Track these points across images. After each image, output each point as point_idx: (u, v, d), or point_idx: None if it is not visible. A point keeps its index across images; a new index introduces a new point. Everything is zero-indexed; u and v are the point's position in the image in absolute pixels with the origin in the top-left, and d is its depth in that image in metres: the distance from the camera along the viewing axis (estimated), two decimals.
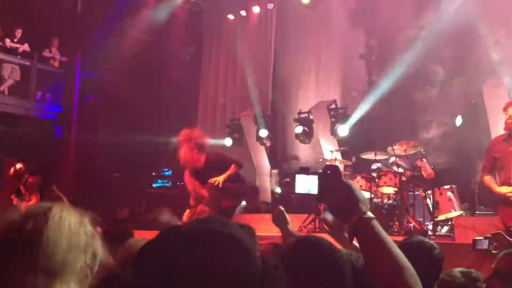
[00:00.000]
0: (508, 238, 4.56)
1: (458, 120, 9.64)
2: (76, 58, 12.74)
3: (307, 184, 1.35)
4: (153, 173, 11.57)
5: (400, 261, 1.30)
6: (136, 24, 13.71)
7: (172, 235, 1.05)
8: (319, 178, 1.45)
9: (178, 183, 11.58)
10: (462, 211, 8.02)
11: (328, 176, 1.44)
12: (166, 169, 12.01)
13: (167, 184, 11.59)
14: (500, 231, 4.77)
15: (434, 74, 10.80)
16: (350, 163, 10.22)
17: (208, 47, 14.03)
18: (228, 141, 12.46)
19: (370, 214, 1.40)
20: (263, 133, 11.92)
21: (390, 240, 1.35)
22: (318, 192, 1.46)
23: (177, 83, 12.36)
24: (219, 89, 13.59)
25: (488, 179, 5.69)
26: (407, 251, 1.40)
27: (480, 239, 4.61)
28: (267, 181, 11.97)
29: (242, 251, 1.04)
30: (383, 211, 8.50)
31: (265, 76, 13.14)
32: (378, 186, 8.59)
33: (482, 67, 10.03)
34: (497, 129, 9.11)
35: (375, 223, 1.37)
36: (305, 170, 1.39)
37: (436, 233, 7.99)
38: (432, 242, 2.88)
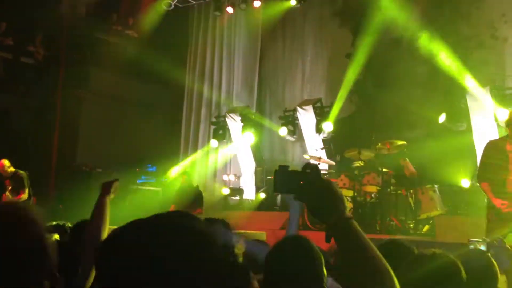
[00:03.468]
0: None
1: (442, 118, 9.73)
2: (60, 52, 12.60)
3: (286, 183, 1.33)
4: (137, 169, 11.51)
5: (377, 262, 1.30)
6: (122, 19, 13.64)
7: (134, 226, 1.08)
8: (298, 177, 1.43)
9: (162, 180, 11.56)
10: (444, 210, 8.10)
11: (308, 175, 1.42)
12: (150, 165, 11.96)
13: (150, 181, 11.53)
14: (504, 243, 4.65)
15: (418, 75, 10.88)
16: (333, 163, 10.27)
17: (194, 43, 13.97)
18: (214, 143, 12.46)
19: (348, 214, 1.39)
20: (248, 130, 11.92)
21: (368, 240, 1.34)
22: (297, 191, 1.43)
23: (163, 79, 12.30)
24: (205, 86, 13.54)
25: (486, 186, 5.51)
26: (385, 253, 1.39)
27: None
28: (252, 179, 11.97)
29: (200, 242, 1.06)
30: (366, 209, 8.55)
31: (252, 73, 13.14)
32: (361, 184, 8.64)
33: (468, 68, 10.14)
34: (479, 129, 9.25)
35: (354, 223, 1.36)
36: (284, 168, 1.36)
37: (418, 232, 8.07)
38: (409, 245, 2.90)
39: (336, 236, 1.36)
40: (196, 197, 9.17)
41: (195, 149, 13.24)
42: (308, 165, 1.44)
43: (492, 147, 5.67)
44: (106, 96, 12.68)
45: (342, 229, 1.35)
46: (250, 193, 11.75)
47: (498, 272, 2.23)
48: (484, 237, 5.11)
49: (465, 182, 8.60)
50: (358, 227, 1.36)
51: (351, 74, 11.89)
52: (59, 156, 12.15)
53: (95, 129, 12.26)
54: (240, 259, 1.24)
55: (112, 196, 2.83)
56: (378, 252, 1.32)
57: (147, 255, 1.02)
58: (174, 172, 11.97)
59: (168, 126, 13.75)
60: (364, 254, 1.31)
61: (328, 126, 10.68)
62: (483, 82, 9.50)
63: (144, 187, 11.21)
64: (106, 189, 2.81)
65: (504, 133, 5.90)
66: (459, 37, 10.54)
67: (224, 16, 13.46)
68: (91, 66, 12.63)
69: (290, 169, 1.47)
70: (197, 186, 10.01)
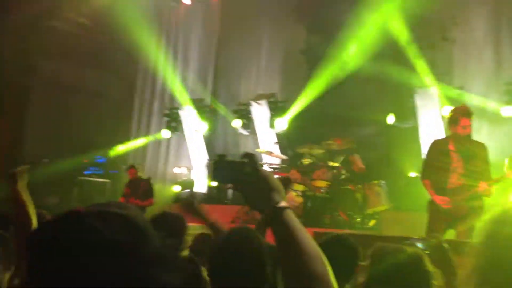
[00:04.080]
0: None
1: (391, 119, 9.95)
2: (5, 39, 12.14)
3: (225, 173, 1.30)
4: (85, 160, 11.25)
5: (313, 252, 1.30)
6: (74, 6, 13.26)
7: (65, 217, 1.06)
8: (236, 167, 1.41)
9: (111, 171, 11.34)
10: (389, 206, 8.29)
11: (245, 164, 1.40)
12: (99, 157, 11.72)
13: (99, 172, 11.29)
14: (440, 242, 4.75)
15: (371, 73, 11.07)
16: (286, 157, 10.35)
17: (149, 33, 13.73)
18: (165, 134, 12.32)
19: (285, 204, 1.37)
20: (202, 123, 11.85)
21: (304, 230, 1.33)
22: (235, 180, 1.42)
23: (115, 68, 12.05)
24: (158, 78, 13.35)
25: (427, 184, 5.64)
26: (327, 248, 1.40)
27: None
28: (204, 172, 11.91)
29: (131, 230, 1.05)
30: (316, 204, 8.65)
31: (207, 66, 13.05)
32: (312, 179, 8.74)
33: (418, 67, 10.39)
34: (425, 127, 9.52)
35: (290, 213, 1.35)
36: (223, 158, 1.32)
37: (364, 226, 8.24)
38: (347, 235, 2.97)
39: (272, 226, 1.35)
40: (147, 188, 9.06)
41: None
42: (245, 155, 1.42)
43: (435, 146, 5.78)
44: (55, 85, 12.32)
45: (277, 219, 1.34)
46: (202, 186, 11.69)
47: (429, 268, 2.27)
48: (422, 235, 5.27)
49: (411, 177, 8.84)
50: (295, 218, 1.35)
51: (305, 70, 12.02)
52: (4, 147, 11.74)
53: (43, 119, 11.89)
54: (185, 253, 1.23)
55: (22, 182, 2.86)
56: (315, 245, 1.31)
57: (75, 249, 1.00)
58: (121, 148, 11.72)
59: (120, 117, 13.50)
60: (299, 245, 1.30)
61: (281, 124, 10.75)
62: (431, 81, 9.77)
63: (92, 179, 10.97)
64: (12, 179, 2.85)
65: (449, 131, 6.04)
66: (410, 37, 10.79)
67: (181, 7, 13.30)
68: (39, 54, 12.23)
69: (228, 158, 1.45)
70: (149, 178, 9.89)
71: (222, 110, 12.80)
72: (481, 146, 5.56)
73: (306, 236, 1.33)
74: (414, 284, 2.18)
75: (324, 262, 1.29)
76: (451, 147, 5.55)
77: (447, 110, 8.28)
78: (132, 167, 9.36)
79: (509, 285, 0.82)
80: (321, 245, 1.35)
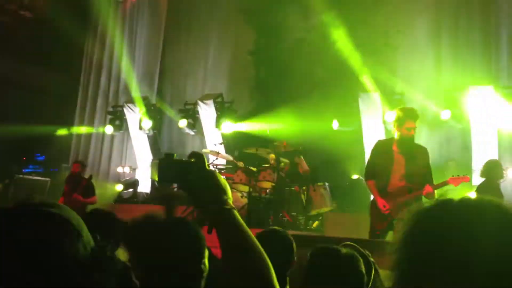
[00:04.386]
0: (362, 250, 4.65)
1: (335, 125, 10.14)
2: None
3: (171, 172, 1.25)
4: (24, 158, 10.82)
5: (257, 252, 1.30)
6: None
7: None
8: (183, 166, 1.39)
9: (51, 169, 10.97)
10: (333, 207, 8.43)
11: (193, 164, 1.38)
12: (39, 154, 11.30)
13: (38, 170, 10.89)
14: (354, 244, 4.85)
15: (317, 76, 11.23)
16: (231, 158, 10.33)
17: (93, 28, 13.40)
18: (108, 129, 12.02)
19: (231, 204, 1.37)
20: (147, 122, 11.65)
21: (248, 231, 1.33)
22: (181, 180, 1.39)
23: (58, 63, 11.65)
24: (103, 74, 13.03)
25: (371, 184, 5.67)
26: (262, 240, 1.40)
27: None
28: (148, 171, 11.72)
29: (61, 230, 1.06)
30: (261, 205, 8.68)
31: (153, 64, 12.85)
32: (257, 180, 8.76)
33: (359, 72, 10.63)
34: (368, 130, 9.75)
35: (235, 214, 1.34)
36: (170, 157, 1.28)
37: (308, 227, 8.33)
38: (284, 231, 3.00)
39: (217, 226, 1.34)
40: (88, 186, 8.80)
41: (88, 139, 12.71)
42: (193, 154, 1.41)
43: (379, 146, 5.82)
44: None
45: (224, 220, 1.33)
46: (146, 186, 11.50)
47: (362, 269, 2.34)
48: (365, 235, 5.37)
49: (354, 180, 9.03)
50: (240, 219, 1.35)
51: (253, 71, 12.07)
52: None
53: None
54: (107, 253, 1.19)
55: None
56: (259, 245, 1.31)
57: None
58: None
59: (62, 114, 13.08)
60: (244, 245, 1.30)
61: (228, 126, 10.73)
62: (375, 86, 10.02)
63: (31, 177, 10.56)
64: None
65: (392, 134, 6.14)
66: (355, 43, 11.03)
67: (127, 3, 13.05)
68: None
69: (176, 158, 1.42)
70: (90, 176, 9.62)
71: (167, 109, 12.65)
72: (423, 150, 5.64)
73: (251, 236, 1.33)
74: (348, 284, 2.24)
75: (268, 263, 1.30)
76: (394, 148, 5.60)
77: (391, 113, 8.48)
78: (78, 162, 9.05)
79: (428, 280, 0.84)
80: (258, 237, 1.36)
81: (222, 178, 1.40)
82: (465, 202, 0.93)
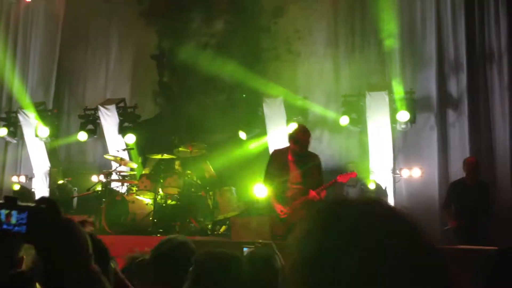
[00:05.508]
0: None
1: (242, 135, 10.24)
2: None
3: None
4: None
5: None
6: None
7: None
8: (28, 211, 1.15)
9: None
10: (240, 211, 8.49)
11: (43, 211, 1.16)
12: None
13: None
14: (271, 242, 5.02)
15: (222, 81, 11.30)
16: (135, 165, 10.09)
17: None
18: (2, 131, 11.25)
19: (95, 267, 1.17)
20: (43, 129, 11.02)
21: None
22: (26, 230, 1.14)
23: None
24: None
25: (269, 191, 6.11)
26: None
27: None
28: (45, 180, 11.11)
29: None
30: (167, 211, 8.54)
31: (50, 68, 12.20)
32: (163, 186, 8.61)
33: (265, 78, 10.84)
34: (272, 136, 9.95)
35: (104, 279, 1.17)
36: (11, 202, 1.05)
37: (215, 233, 8.32)
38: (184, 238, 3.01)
39: None
40: None
41: None
42: (43, 199, 1.19)
43: (276, 155, 6.26)
44: None
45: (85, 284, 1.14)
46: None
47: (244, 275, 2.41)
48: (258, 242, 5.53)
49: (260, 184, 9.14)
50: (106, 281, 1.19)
51: (156, 76, 11.87)
52: None
53: None
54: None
55: None
56: None
57: None
58: None
59: None
60: None
61: (130, 137, 10.45)
62: (278, 92, 10.25)
63: None
64: None
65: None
66: (258, 49, 11.23)
67: (20, 4, 12.33)
68: None
69: (20, 203, 1.17)
70: None
71: (66, 115, 12.09)
72: (315, 157, 6.08)
73: None
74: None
75: None
76: (289, 157, 5.99)
77: (291, 125, 8.71)
78: None
79: (324, 282, 0.86)
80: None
81: (82, 230, 1.20)
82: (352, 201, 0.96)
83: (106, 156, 9.85)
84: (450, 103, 9.65)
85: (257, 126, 10.31)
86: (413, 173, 9.30)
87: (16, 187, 10.68)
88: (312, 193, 5.80)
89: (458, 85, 9.58)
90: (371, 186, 9.09)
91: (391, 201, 8.88)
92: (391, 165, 9.48)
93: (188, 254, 2.64)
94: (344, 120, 9.62)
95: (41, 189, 10.99)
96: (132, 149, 10.48)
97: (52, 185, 10.94)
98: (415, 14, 10.11)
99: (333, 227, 0.89)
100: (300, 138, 5.92)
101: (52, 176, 11.08)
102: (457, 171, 9.09)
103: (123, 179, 9.40)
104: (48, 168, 11.17)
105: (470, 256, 4.61)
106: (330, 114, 10.28)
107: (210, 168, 8.83)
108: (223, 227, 8.47)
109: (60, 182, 10.74)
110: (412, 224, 0.90)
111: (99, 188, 9.23)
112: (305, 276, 0.88)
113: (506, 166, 8.73)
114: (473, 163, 7.23)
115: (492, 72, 9.31)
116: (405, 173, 9.41)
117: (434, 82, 9.71)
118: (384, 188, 9.19)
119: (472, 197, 7.01)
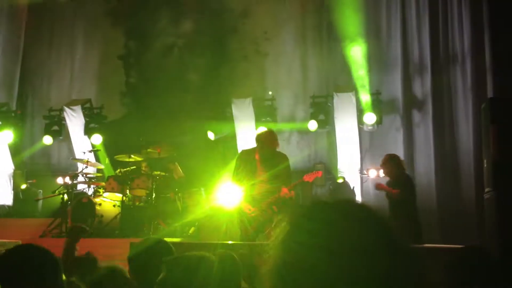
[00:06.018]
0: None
1: (210, 135, 10.23)
2: None
3: None
4: None
5: None
6: None
7: None
8: None
9: None
10: (208, 212, 8.45)
11: None
12: None
13: None
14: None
15: (190, 82, 11.25)
16: (102, 166, 9.96)
17: None
18: None
19: None
20: (7, 132, 10.73)
21: None
22: None
23: None
24: None
25: (238, 192, 6.08)
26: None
27: None
28: (8, 182, 10.83)
29: None
30: (135, 213, 8.45)
31: (12, 69, 11.86)
32: (131, 188, 8.52)
33: (233, 79, 10.84)
34: (242, 135, 9.97)
35: None
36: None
37: (184, 234, 8.28)
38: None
39: None
40: None
41: None
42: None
43: (243, 155, 6.30)
44: None
45: None
46: (7, 199, 10.62)
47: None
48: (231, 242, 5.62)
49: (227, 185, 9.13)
50: None
51: (123, 76, 11.72)
52: None
53: None
54: None
55: None
56: None
57: None
58: None
59: None
60: None
61: (97, 138, 10.31)
62: (246, 93, 10.28)
63: None
64: None
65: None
66: (226, 49, 11.23)
67: None
68: None
69: None
70: None
71: (30, 115, 11.82)
72: (283, 157, 6.12)
73: None
74: None
75: None
76: (257, 156, 6.03)
77: (260, 128, 8.72)
78: None
79: (303, 284, 0.87)
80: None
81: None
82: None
83: (72, 158, 9.66)
84: (415, 104, 9.84)
85: (226, 127, 10.31)
86: (380, 173, 9.45)
87: None
88: (285, 190, 5.81)
89: (423, 87, 9.77)
90: (340, 182, 9.21)
91: (359, 201, 9.00)
92: (359, 166, 9.61)
93: (166, 252, 2.66)
94: (313, 125, 9.69)
95: (5, 192, 10.70)
96: (99, 150, 10.33)
97: (16, 188, 10.67)
98: (380, 16, 10.27)
99: (309, 229, 0.89)
100: (267, 141, 5.96)
101: (16, 178, 10.80)
102: (422, 171, 9.30)
103: (89, 180, 9.25)
104: (12, 170, 10.88)
105: (437, 253, 4.72)
106: (299, 114, 10.36)
107: (179, 169, 8.77)
108: (192, 229, 8.42)
109: (23, 186, 10.54)
110: (387, 224, 0.91)
111: (65, 190, 9.06)
112: (282, 279, 0.88)
113: (469, 165, 8.94)
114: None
115: (455, 73, 9.52)
116: (372, 173, 9.55)
117: (399, 84, 9.88)
118: (352, 188, 9.31)
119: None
